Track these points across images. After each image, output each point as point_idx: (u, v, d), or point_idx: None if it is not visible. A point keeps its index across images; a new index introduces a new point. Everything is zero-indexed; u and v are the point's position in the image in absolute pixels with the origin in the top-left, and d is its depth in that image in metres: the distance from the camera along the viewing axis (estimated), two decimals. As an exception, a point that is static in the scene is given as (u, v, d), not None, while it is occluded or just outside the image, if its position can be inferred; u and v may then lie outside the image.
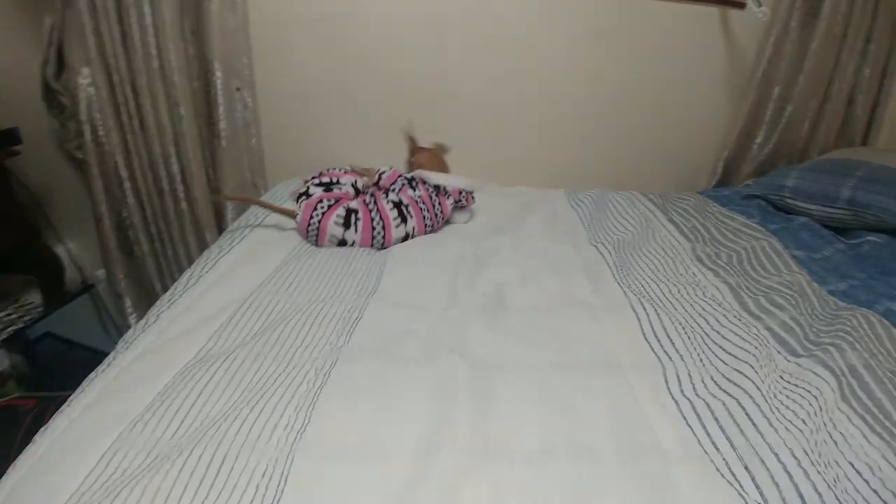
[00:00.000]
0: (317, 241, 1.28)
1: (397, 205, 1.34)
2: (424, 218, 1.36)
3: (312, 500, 0.63)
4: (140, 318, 1.65)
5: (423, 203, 1.37)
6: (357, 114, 1.83)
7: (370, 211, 1.31)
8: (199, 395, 0.78)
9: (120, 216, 1.73)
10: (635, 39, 1.79)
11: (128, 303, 1.83)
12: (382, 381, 0.82)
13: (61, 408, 0.79)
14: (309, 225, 1.27)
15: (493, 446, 0.70)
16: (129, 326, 1.84)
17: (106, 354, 0.93)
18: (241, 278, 1.13)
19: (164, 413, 0.75)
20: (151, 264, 1.84)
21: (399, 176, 1.49)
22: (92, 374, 0.86)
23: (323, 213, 1.27)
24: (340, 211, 1.28)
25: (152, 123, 1.61)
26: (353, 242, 1.29)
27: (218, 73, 1.61)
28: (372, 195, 1.37)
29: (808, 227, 1.49)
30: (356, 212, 1.29)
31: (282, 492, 0.63)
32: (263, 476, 0.65)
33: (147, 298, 1.86)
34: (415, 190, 1.41)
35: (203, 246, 1.80)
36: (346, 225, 1.27)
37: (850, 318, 1.02)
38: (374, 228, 1.29)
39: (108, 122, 1.59)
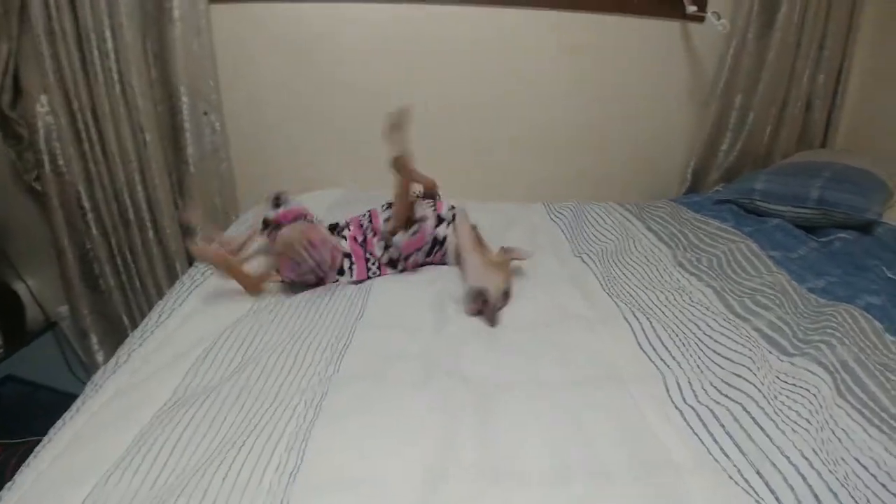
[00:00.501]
0: None
1: (394, 262, 1.22)
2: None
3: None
4: (108, 355, 1.56)
5: (427, 263, 1.26)
6: (330, 134, 1.81)
7: (367, 260, 1.21)
8: (178, 440, 0.73)
9: (83, 249, 1.65)
10: (604, 56, 1.83)
11: (94, 340, 1.73)
12: (378, 409, 0.77)
13: (27, 460, 0.72)
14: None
15: (502, 469, 0.66)
16: (96, 365, 1.74)
17: (73, 396, 0.86)
18: (217, 310, 1.07)
19: (142, 461, 0.69)
20: (118, 298, 1.75)
21: (425, 241, 1.23)
22: (59, 422, 0.80)
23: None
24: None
25: (115, 151, 1.55)
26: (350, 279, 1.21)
27: (184, 98, 1.56)
28: (364, 241, 1.23)
29: (781, 227, 1.53)
30: (349, 256, 1.20)
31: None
32: (257, 522, 0.61)
33: (115, 334, 1.77)
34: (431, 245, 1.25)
35: (173, 277, 1.73)
36: (341, 272, 1.20)
37: (833, 314, 1.04)
38: (369, 269, 1.21)
39: (68, 150, 1.52)
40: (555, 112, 1.89)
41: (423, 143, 1.83)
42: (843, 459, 0.70)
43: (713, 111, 1.87)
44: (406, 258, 1.22)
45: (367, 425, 0.74)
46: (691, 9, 1.75)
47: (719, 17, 1.73)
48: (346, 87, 1.75)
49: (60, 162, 1.54)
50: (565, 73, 1.83)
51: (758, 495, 0.63)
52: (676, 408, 0.79)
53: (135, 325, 1.21)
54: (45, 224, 1.64)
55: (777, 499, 0.62)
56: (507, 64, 1.80)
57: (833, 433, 0.75)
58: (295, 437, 0.71)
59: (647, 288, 1.18)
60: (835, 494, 0.62)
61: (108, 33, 1.43)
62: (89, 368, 1.76)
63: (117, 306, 1.77)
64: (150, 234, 1.68)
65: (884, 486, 0.66)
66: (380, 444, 0.71)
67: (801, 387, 0.82)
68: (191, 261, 1.74)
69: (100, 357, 1.75)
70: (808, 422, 0.74)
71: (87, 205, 1.60)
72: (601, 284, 1.20)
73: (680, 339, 0.98)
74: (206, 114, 1.61)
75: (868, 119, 1.93)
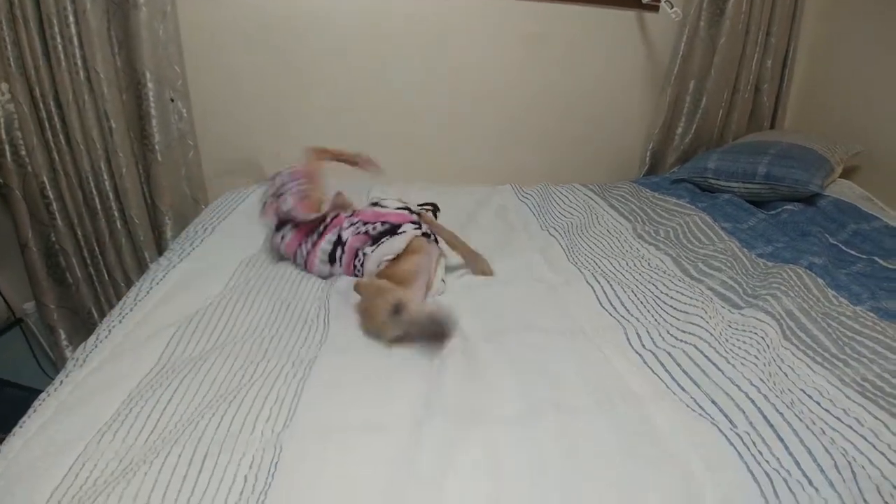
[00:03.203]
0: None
1: (333, 248, 1.15)
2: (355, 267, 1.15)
3: (307, 480, 0.62)
4: (76, 349, 1.53)
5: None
6: (297, 119, 1.81)
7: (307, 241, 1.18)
8: (170, 399, 0.75)
9: (48, 241, 1.62)
10: (565, 45, 1.89)
11: (62, 335, 1.69)
12: (366, 367, 0.81)
13: (12, 430, 0.73)
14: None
15: (481, 411, 0.71)
16: (64, 360, 1.70)
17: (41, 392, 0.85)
18: (197, 287, 1.08)
19: (135, 419, 0.71)
20: (86, 291, 1.72)
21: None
22: (43, 394, 0.80)
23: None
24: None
25: (80, 139, 1.52)
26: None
27: (149, 84, 1.55)
28: (321, 234, 1.17)
29: (732, 202, 1.63)
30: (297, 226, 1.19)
31: (273, 476, 0.61)
32: (251, 467, 0.64)
33: (83, 328, 1.73)
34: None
35: (142, 267, 1.71)
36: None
37: (780, 272, 1.13)
38: (300, 244, 1.18)
39: (31, 140, 1.49)
40: (521, 100, 1.95)
41: (394, 130, 1.89)
42: (789, 390, 0.78)
43: (669, 96, 1.96)
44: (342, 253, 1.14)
45: (357, 381, 0.78)
46: (645, -2, 1.84)
47: (672, 6, 1.82)
48: (312, 72, 1.76)
49: (23, 152, 1.50)
50: (529, 63, 1.89)
51: (713, 419, 0.69)
52: (636, 352, 0.86)
53: (104, 318, 1.18)
54: (8, 216, 1.60)
55: (730, 420, 0.69)
56: (474, 53, 1.84)
57: (780, 368, 0.82)
58: (286, 392, 0.75)
59: (608, 256, 1.25)
60: (781, 414, 0.70)
61: (71, 18, 1.40)
62: (58, 364, 1.72)
63: (85, 300, 1.74)
64: (118, 223, 1.66)
65: (827, 410, 0.74)
66: (369, 396, 0.75)
67: (750, 331, 0.90)
68: (161, 249, 1.72)
69: (68, 353, 1.72)
70: (757, 358, 0.82)
71: (51, 195, 1.56)
72: (566, 254, 1.27)
73: (638, 298, 1.05)
74: (172, 100, 1.60)
75: (813, 100, 2.06)
